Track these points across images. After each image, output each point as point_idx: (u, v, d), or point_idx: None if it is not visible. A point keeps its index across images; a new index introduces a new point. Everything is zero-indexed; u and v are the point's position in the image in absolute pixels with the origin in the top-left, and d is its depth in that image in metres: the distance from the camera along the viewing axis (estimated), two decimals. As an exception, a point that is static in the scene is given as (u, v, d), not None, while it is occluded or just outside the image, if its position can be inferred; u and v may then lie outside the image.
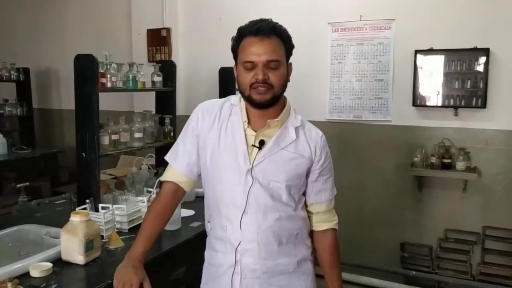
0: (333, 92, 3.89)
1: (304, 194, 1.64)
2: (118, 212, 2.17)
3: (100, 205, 2.15)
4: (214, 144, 1.57)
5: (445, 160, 3.43)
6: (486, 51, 3.29)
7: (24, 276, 1.68)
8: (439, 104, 3.49)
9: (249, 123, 1.56)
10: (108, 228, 2.08)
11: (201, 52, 4.27)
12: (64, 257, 1.82)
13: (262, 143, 1.52)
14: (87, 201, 2.15)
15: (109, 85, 2.35)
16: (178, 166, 1.65)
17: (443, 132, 3.51)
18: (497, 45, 3.28)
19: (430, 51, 3.48)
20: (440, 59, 3.46)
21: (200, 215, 2.30)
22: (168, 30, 4.39)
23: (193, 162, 1.64)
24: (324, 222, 1.64)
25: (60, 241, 1.82)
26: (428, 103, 3.54)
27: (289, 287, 1.60)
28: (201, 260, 1.69)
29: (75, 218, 1.78)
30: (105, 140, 2.31)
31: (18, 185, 2.22)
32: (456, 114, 3.45)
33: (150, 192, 2.39)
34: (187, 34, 4.42)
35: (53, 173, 4.92)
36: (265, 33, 1.45)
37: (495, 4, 3.29)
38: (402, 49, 3.59)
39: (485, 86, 3.32)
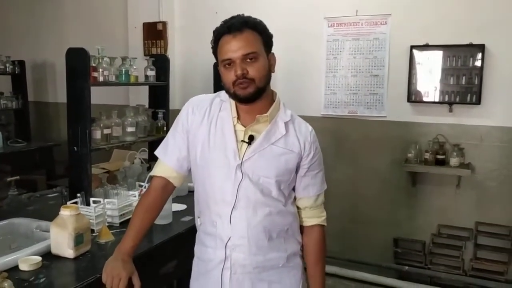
0: (328, 87, 3.88)
1: (294, 189, 1.64)
2: (109, 206, 2.17)
3: (92, 199, 2.14)
4: (204, 140, 1.57)
5: (439, 156, 3.43)
6: (481, 48, 3.29)
7: (13, 270, 1.67)
8: (434, 100, 3.50)
9: (238, 118, 1.56)
10: (99, 222, 2.08)
11: (197, 46, 4.25)
12: (54, 251, 1.81)
13: (251, 138, 1.52)
14: (78, 195, 2.15)
15: (101, 79, 2.34)
16: (168, 161, 1.66)
17: (437, 128, 3.52)
18: (493, 41, 3.28)
19: (426, 47, 3.48)
20: (435, 55, 3.47)
21: (192, 209, 2.26)
22: (164, 24, 4.38)
23: (183, 157, 1.64)
24: (312, 217, 1.64)
25: (50, 235, 1.82)
26: (423, 99, 3.54)
27: (279, 282, 1.60)
28: (192, 254, 1.69)
29: (65, 212, 1.78)
30: (97, 134, 2.31)
31: (8, 179, 2.22)
32: (450, 110, 3.46)
33: (141, 186, 2.39)
34: (183, 28, 4.41)
35: (49, 166, 4.92)
36: (237, 28, 1.45)
37: (491, 0, 3.28)
38: (397, 45, 3.58)
39: (480, 82, 3.33)
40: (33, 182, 4.46)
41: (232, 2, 3.98)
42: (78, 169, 2.24)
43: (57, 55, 5.17)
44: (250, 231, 1.52)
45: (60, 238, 1.79)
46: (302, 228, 1.66)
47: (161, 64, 2.78)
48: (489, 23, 3.29)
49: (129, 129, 2.50)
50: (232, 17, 1.50)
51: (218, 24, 1.51)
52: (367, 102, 3.76)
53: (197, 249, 1.69)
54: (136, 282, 1.57)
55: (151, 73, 2.70)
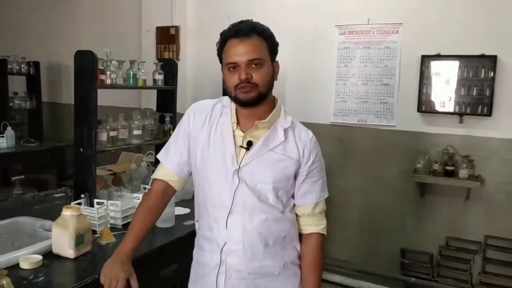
0: (338, 95, 3.87)
1: (293, 196, 1.63)
2: (112, 208, 2.18)
3: (95, 200, 2.16)
4: (204, 144, 1.58)
5: (448, 167, 3.39)
6: (493, 59, 3.25)
7: (14, 268, 1.70)
8: (444, 110, 3.45)
9: (238, 124, 1.56)
10: (101, 223, 2.10)
11: (209, 51, 4.20)
12: (55, 250, 1.84)
13: (250, 144, 1.53)
14: (82, 196, 2.17)
15: (108, 81, 2.36)
16: (169, 164, 1.67)
17: (447, 139, 3.48)
18: (505, 53, 3.24)
19: (437, 57, 3.44)
20: (447, 65, 3.43)
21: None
22: (177, 28, 4.41)
23: (183, 161, 1.65)
24: (310, 225, 1.62)
25: (52, 235, 1.84)
26: (433, 109, 3.50)
27: None
28: (192, 258, 1.70)
29: (67, 212, 1.80)
30: (103, 136, 2.33)
31: (13, 178, 2.25)
32: (461, 121, 3.41)
33: (146, 189, 2.40)
34: (195, 32, 4.44)
35: (60, 166, 4.98)
36: (245, 33, 1.45)
37: (504, 11, 3.25)
38: (409, 54, 3.56)
39: (492, 94, 3.28)
40: (44, 181, 4.52)
41: (244, 8, 4.00)
42: (83, 170, 2.27)
43: (72, 57, 5.25)
44: (245, 236, 1.52)
45: (61, 238, 1.81)
46: (300, 236, 1.65)
47: (169, 68, 2.80)
48: (501, 34, 3.25)
49: (136, 132, 2.52)
50: (241, 22, 1.51)
51: (229, 29, 1.51)
52: (377, 111, 3.74)
53: (195, 253, 1.69)
54: (134, 284, 1.57)
55: (159, 77, 2.73)
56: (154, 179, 1.70)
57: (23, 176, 2.30)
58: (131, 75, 2.51)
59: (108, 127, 2.38)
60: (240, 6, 4.09)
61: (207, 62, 4.32)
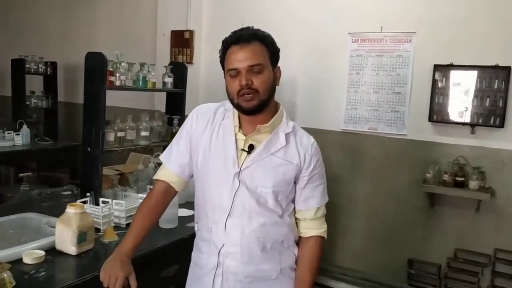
0: (349, 102, 3.85)
1: (293, 201, 1.64)
2: (116, 207, 2.21)
3: (101, 199, 2.20)
4: (205, 147, 1.60)
5: (458, 178, 3.34)
6: (507, 70, 3.21)
7: (17, 262, 1.73)
8: (456, 120, 3.41)
9: (240, 127, 1.58)
10: (105, 222, 2.13)
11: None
12: (58, 246, 1.87)
13: (251, 147, 1.54)
14: (88, 194, 2.20)
15: (117, 83, 2.40)
16: (171, 166, 1.69)
17: (458, 150, 3.43)
18: (519, 64, 3.20)
19: (450, 67, 3.41)
20: (459, 75, 3.39)
21: (198, 216, 2.32)
22: (191, 32, 4.45)
23: (185, 163, 1.67)
24: (311, 228, 1.64)
25: (55, 231, 1.87)
26: (445, 119, 3.46)
27: None
28: (192, 260, 1.72)
29: (70, 210, 1.83)
30: (111, 136, 2.37)
31: (20, 175, 2.30)
32: (473, 132, 3.37)
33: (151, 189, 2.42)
34: (210, 37, 4.46)
35: (73, 165, 5.02)
36: (246, 40, 1.47)
37: (519, 22, 3.21)
38: (421, 63, 3.52)
39: (505, 105, 3.23)
40: (57, 179, 4.57)
41: (258, 14, 4.02)
42: (90, 169, 2.30)
43: (89, 58, 5.38)
44: (243, 239, 1.53)
45: (64, 235, 1.84)
46: (299, 240, 1.66)
47: (179, 71, 2.83)
48: (516, 45, 3.21)
49: (143, 133, 2.55)
50: (242, 29, 1.54)
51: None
52: (388, 119, 3.71)
53: (193, 254, 1.71)
54: (133, 282, 1.59)
55: (169, 80, 2.76)
56: (156, 180, 1.73)
57: (30, 173, 2.35)
58: (141, 77, 2.55)
59: (116, 128, 2.42)
60: (254, 12, 4.10)
61: (220, 66, 4.34)
